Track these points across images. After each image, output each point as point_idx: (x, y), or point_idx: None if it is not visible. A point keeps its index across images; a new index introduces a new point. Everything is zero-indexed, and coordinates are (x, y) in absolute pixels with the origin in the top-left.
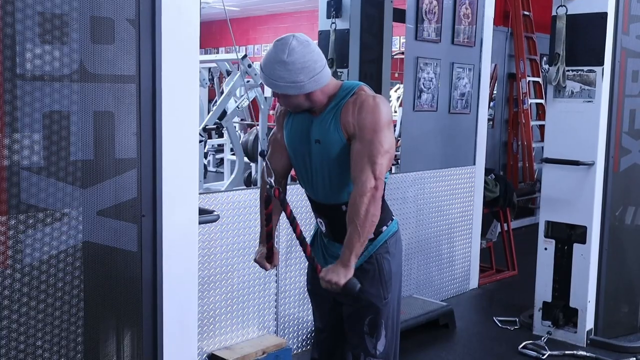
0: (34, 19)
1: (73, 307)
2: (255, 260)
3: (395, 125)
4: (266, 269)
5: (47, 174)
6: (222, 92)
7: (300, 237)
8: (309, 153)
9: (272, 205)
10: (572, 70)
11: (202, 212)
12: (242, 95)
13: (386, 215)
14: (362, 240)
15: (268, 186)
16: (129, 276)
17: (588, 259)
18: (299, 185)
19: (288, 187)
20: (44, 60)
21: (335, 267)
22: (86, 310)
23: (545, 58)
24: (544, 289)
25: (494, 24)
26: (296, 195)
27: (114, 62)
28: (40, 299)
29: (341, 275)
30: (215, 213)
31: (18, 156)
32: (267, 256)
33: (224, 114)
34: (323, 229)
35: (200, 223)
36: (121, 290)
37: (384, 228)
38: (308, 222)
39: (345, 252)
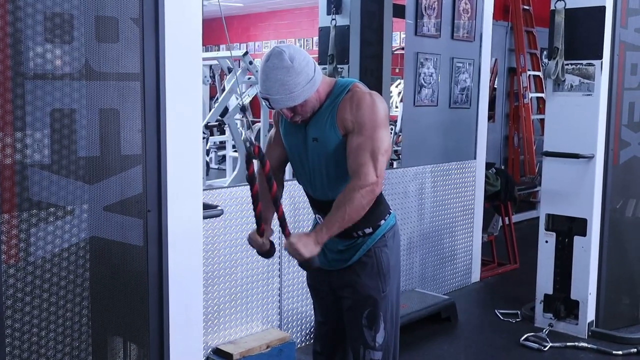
0: (40, 19)
1: (80, 301)
2: (249, 238)
3: (395, 121)
4: (259, 244)
5: (54, 170)
6: (223, 89)
7: (275, 198)
8: (306, 151)
9: (258, 184)
10: (571, 64)
11: (206, 207)
12: (244, 92)
13: (384, 209)
14: (343, 227)
15: (248, 144)
16: (135, 270)
17: (589, 252)
18: (296, 182)
19: (287, 183)
20: (50, 59)
21: (307, 239)
22: (93, 304)
23: (545, 52)
24: (545, 282)
25: (494, 18)
26: (295, 192)
27: (119, 60)
28: (48, 292)
29: (309, 249)
30: (219, 208)
31: (26, 153)
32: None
33: (225, 110)
34: None
35: (204, 218)
36: (127, 284)
37: (382, 222)
38: (308, 218)
39: (323, 231)
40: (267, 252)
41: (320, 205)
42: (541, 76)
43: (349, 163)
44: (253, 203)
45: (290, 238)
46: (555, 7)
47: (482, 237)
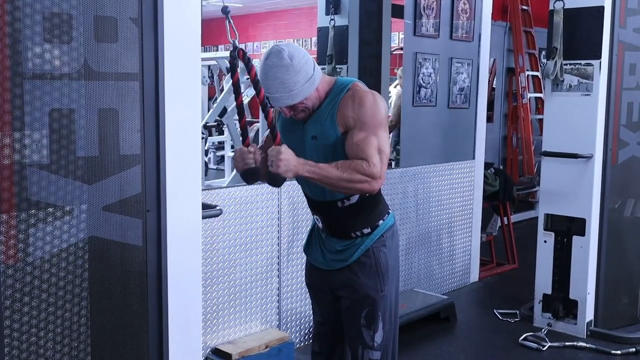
0: (39, 19)
1: (79, 301)
2: (234, 156)
3: None
4: (243, 152)
5: (53, 170)
6: (222, 90)
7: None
8: (305, 149)
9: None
10: (570, 64)
11: (205, 206)
12: (242, 93)
13: (382, 209)
14: (322, 183)
15: (232, 47)
16: (135, 270)
17: (587, 251)
18: (296, 182)
19: (286, 183)
20: (49, 59)
21: (294, 160)
22: (92, 304)
23: (544, 52)
24: (543, 282)
25: (492, 18)
26: (293, 192)
27: (118, 60)
28: (47, 293)
29: (288, 168)
30: (218, 208)
31: (24, 153)
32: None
33: (224, 111)
34: (320, 225)
35: (203, 217)
36: (126, 284)
37: (380, 222)
38: (306, 218)
39: (310, 167)
40: (250, 171)
41: (318, 206)
42: (540, 76)
43: (354, 152)
44: (238, 114)
45: (281, 147)
46: (554, 7)
47: (481, 237)
